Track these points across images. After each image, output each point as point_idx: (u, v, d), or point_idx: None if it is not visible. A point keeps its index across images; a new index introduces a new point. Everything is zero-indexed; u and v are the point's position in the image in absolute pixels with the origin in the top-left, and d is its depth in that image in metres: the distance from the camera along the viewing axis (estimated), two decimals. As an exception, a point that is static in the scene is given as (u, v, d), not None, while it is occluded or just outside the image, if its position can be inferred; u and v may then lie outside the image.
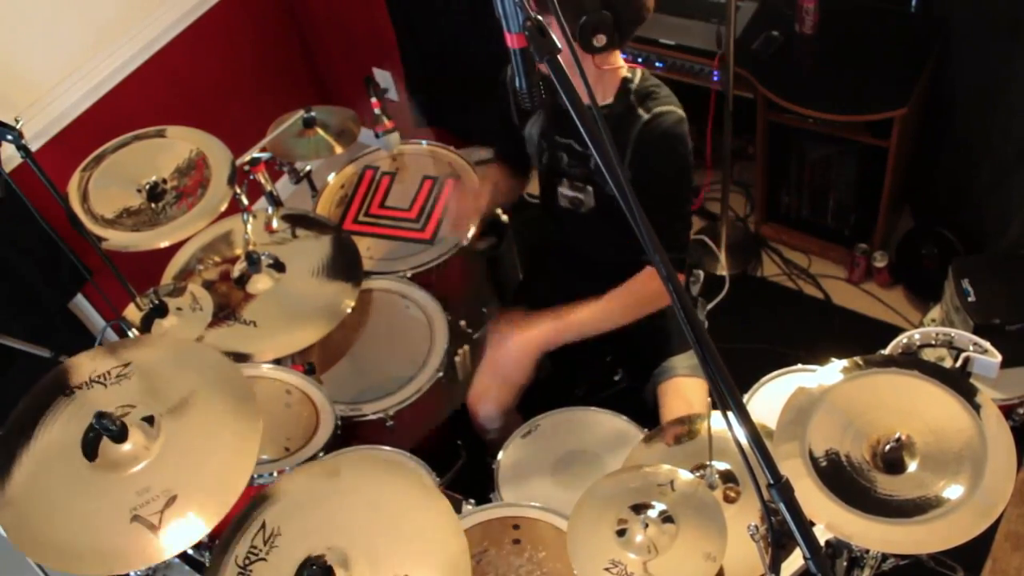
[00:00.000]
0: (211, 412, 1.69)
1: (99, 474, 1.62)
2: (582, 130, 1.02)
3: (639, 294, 2.00)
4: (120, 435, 1.61)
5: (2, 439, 1.67)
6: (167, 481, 1.59)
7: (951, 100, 2.68)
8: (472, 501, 1.97)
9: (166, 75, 2.96)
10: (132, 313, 2.04)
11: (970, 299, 2.23)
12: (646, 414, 2.10)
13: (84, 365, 1.77)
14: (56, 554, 1.54)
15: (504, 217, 2.59)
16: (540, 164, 2.10)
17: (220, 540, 1.62)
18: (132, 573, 1.88)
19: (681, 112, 1.92)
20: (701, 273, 2.34)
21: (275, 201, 2.50)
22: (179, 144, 2.28)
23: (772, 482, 1.07)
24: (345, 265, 2.22)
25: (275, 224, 2.32)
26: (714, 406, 1.93)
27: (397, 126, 2.52)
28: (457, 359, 2.35)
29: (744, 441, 1.09)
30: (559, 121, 1.99)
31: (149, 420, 1.66)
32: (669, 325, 2.18)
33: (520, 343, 2.01)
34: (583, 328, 2.01)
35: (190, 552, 2.08)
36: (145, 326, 2.00)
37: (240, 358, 2.08)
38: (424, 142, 2.72)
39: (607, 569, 1.57)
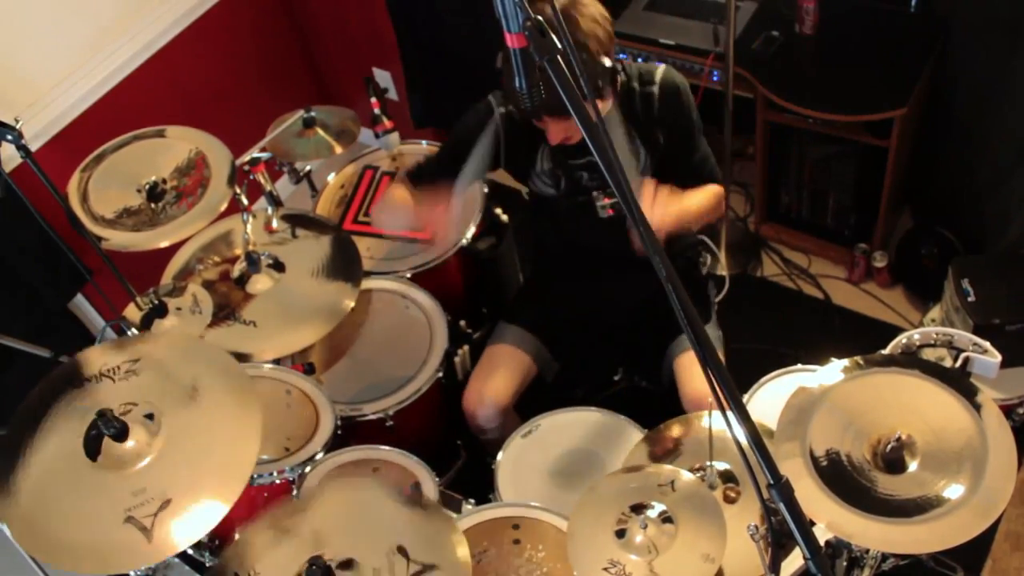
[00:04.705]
0: (212, 414, 1.68)
1: (99, 472, 1.61)
2: (581, 128, 1.02)
3: (716, 196, 2.12)
4: (121, 434, 1.61)
5: (9, 433, 1.67)
6: (162, 484, 1.58)
7: (951, 100, 2.68)
8: (472, 501, 1.97)
9: (166, 75, 2.96)
10: (132, 313, 2.04)
11: (970, 299, 2.23)
12: (646, 414, 2.10)
13: (93, 360, 1.77)
14: (53, 550, 1.54)
15: (504, 217, 2.59)
16: (558, 192, 2.11)
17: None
18: (132, 572, 1.88)
19: (662, 64, 2.08)
20: (709, 257, 2.34)
21: (275, 201, 2.50)
22: (179, 144, 2.28)
23: (772, 482, 1.07)
24: (345, 265, 2.22)
25: (275, 224, 2.31)
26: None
27: (397, 126, 2.52)
28: (457, 359, 2.35)
29: (744, 441, 1.09)
30: (567, 145, 2.01)
31: (150, 417, 1.66)
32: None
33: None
34: (691, 219, 2.06)
35: (190, 552, 2.08)
36: (145, 326, 2.00)
37: (240, 358, 2.08)
38: (424, 142, 2.72)
39: (606, 569, 1.57)
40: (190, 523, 1.54)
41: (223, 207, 2.17)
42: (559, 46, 1.02)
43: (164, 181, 2.20)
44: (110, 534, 1.53)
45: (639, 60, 2.83)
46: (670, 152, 2.09)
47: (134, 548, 1.51)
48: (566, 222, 2.21)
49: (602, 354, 2.47)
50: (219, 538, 2.05)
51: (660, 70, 2.04)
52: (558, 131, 1.92)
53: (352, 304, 2.14)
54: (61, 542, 1.54)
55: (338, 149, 2.44)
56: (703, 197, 2.09)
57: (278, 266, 2.21)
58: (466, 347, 2.40)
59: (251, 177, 2.31)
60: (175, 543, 1.53)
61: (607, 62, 1.87)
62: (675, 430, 1.95)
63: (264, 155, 2.33)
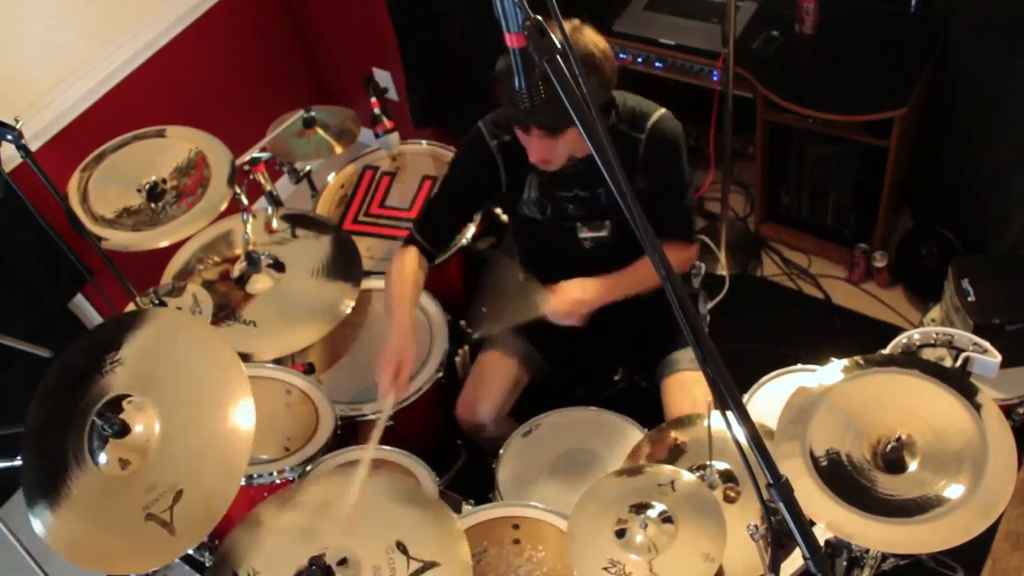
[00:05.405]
0: (204, 397, 1.70)
1: (109, 473, 1.63)
2: (584, 136, 1.02)
3: (675, 264, 2.12)
4: (122, 431, 1.61)
5: (27, 460, 1.69)
6: (171, 476, 1.59)
7: (951, 100, 2.68)
8: (472, 501, 1.97)
9: (166, 75, 2.96)
10: (132, 313, 2.04)
11: (970, 299, 2.23)
12: (646, 414, 2.10)
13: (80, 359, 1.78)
14: (91, 557, 1.58)
15: (504, 217, 2.59)
16: (544, 216, 2.11)
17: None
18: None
19: (662, 108, 2.00)
20: (703, 266, 2.34)
21: (275, 201, 2.50)
22: (179, 144, 2.28)
23: (772, 481, 1.07)
24: (345, 265, 2.22)
25: (275, 224, 2.32)
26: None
27: (397, 126, 2.52)
28: (457, 359, 2.35)
29: (744, 441, 1.09)
30: (556, 178, 2.01)
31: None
32: (673, 320, 2.20)
33: (575, 296, 2.02)
34: (626, 290, 2.06)
35: (190, 552, 2.08)
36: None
37: (240, 358, 2.08)
38: (424, 142, 2.73)
39: (606, 569, 1.57)
40: (204, 508, 1.56)
41: (223, 207, 2.17)
42: (559, 46, 1.02)
43: (164, 181, 2.20)
44: (135, 534, 1.56)
45: (639, 60, 2.83)
46: (649, 199, 2.07)
47: (160, 543, 1.54)
48: (551, 240, 2.21)
49: (601, 354, 2.48)
50: (219, 538, 2.05)
51: (654, 118, 1.96)
52: (539, 149, 1.88)
53: (352, 304, 2.14)
54: (96, 548, 1.57)
55: (338, 149, 2.44)
56: (639, 278, 2.05)
57: (278, 266, 2.21)
58: (466, 347, 2.40)
59: (251, 177, 2.31)
60: (196, 532, 1.55)
61: (605, 95, 1.86)
62: (675, 430, 1.94)
63: (264, 155, 2.33)
